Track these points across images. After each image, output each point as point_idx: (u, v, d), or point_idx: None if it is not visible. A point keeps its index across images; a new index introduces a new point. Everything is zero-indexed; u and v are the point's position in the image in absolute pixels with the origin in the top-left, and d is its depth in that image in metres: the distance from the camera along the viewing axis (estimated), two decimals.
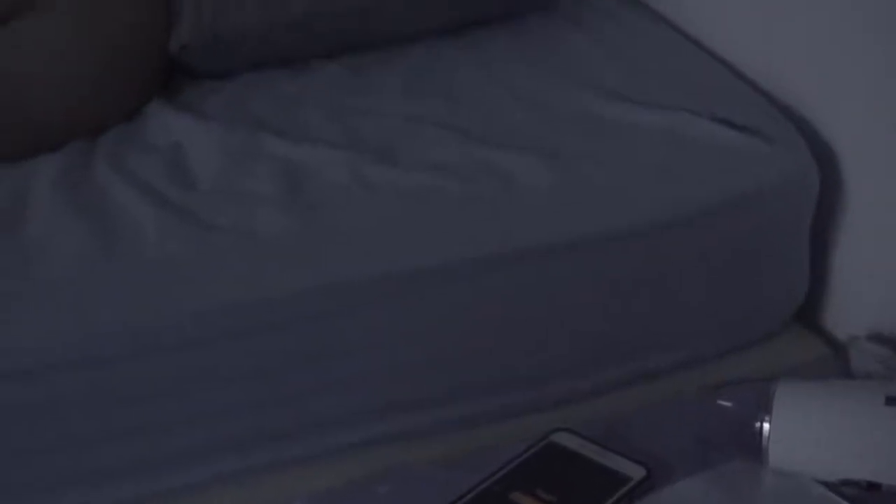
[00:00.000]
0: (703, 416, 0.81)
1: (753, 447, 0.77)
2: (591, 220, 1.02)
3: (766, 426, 0.76)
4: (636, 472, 0.77)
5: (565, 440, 0.81)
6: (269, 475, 0.99)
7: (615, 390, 1.07)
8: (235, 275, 0.97)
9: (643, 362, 1.09)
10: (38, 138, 1.16)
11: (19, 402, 0.92)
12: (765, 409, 0.77)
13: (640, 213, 1.03)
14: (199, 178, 1.09)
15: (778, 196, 1.08)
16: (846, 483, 0.75)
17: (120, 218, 1.02)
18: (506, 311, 1.03)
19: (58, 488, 0.95)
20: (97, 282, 0.96)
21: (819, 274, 1.16)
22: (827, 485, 0.76)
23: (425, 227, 1.01)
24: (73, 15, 1.20)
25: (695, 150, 1.08)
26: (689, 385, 0.89)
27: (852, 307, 1.16)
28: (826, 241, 1.15)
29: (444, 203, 1.02)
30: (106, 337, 0.94)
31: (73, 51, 1.18)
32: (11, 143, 1.15)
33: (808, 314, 1.18)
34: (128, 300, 0.95)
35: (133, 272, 0.97)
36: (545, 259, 1.01)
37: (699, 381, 0.87)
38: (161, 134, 1.17)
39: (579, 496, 0.76)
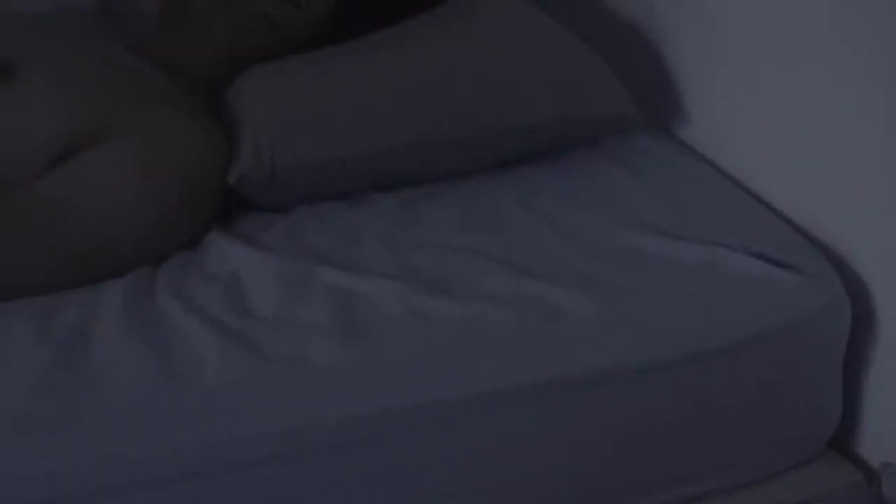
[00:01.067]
0: None
1: None
2: (633, 349, 1.07)
3: None
4: None
5: None
6: None
7: None
8: (288, 401, 1.01)
9: (678, 490, 1.13)
10: (105, 266, 1.20)
11: None
12: None
13: (680, 344, 1.08)
14: (255, 307, 1.12)
15: (811, 328, 1.13)
16: None
17: (180, 344, 1.06)
18: (550, 438, 1.06)
19: None
20: (156, 406, 1.00)
21: (852, 402, 1.20)
22: None
23: (475, 355, 1.05)
24: (140, 148, 1.25)
25: (732, 284, 1.13)
26: None
27: (885, 435, 1.19)
28: (859, 370, 1.19)
29: (493, 332, 1.06)
30: (162, 460, 0.97)
31: (138, 183, 1.23)
32: (80, 270, 1.19)
33: (841, 441, 1.21)
34: (185, 424, 0.99)
35: (191, 397, 1.00)
36: (590, 387, 1.05)
37: None
38: (220, 263, 1.21)
39: None
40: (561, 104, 1.37)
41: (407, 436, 1.02)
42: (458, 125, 1.33)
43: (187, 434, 0.98)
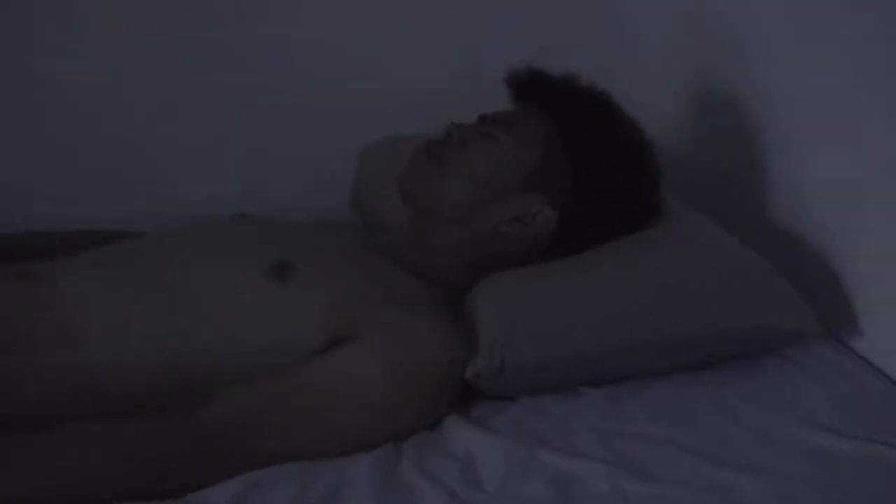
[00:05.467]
0: None
1: None
2: None
3: None
4: None
5: None
6: None
7: None
8: None
9: None
10: (356, 446, 1.34)
11: None
12: None
13: None
14: (486, 482, 1.28)
15: None
16: None
17: None
18: None
19: None
20: None
21: None
22: None
23: None
24: (394, 343, 1.38)
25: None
26: None
27: None
28: None
29: None
30: None
31: (391, 376, 1.36)
32: (337, 444, 1.33)
33: None
34: None
35: None
36: None
37: None
38: (457, 443, 1.37)
39: None
40: (747, 318, 1.51)
41: None
42: (657, 332, 1.48)
43: None
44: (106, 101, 2.08)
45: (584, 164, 1.52)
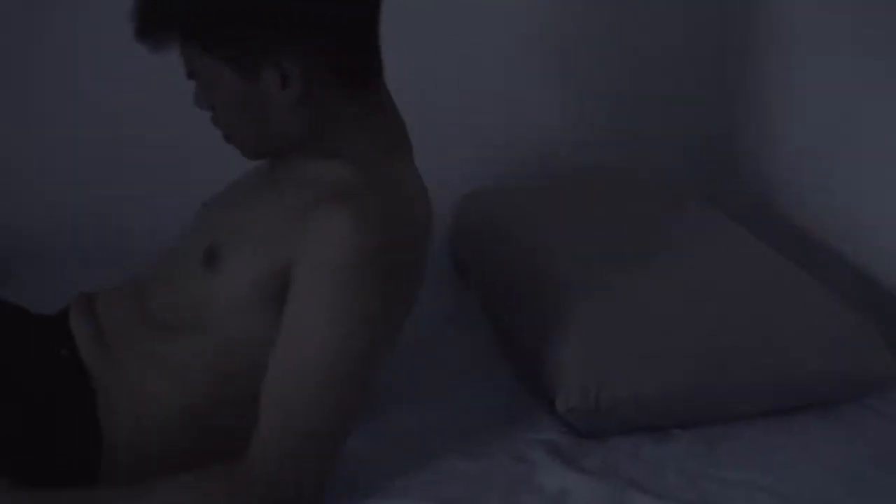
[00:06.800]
0: None
1: None
2: None
3: None
4: None
5: None
6: None
7: None
8: None
9: None
10: (377, 361, 1.33)
11: None
12: None
13: None
14: None
15: None
16: None
17: None
18: None
19: None
20: None
21: None
22: None
23: None
24: (330, 261, 1.27)
25: None
26: None
27: None
28: None
29: None
30: None
31: (347, 284, 1.27)
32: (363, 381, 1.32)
33: None
34: None
35: None
36: None
37: None
38: (551, 480, 1.41)
39: None
40: (838, 364, 1.56)
41: None
42: (752, 376, 1.54)
43: None
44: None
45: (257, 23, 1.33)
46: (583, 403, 1.50)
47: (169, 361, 1.38)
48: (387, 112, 1.45)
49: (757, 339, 1.57)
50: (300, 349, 1.28)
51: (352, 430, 1.33)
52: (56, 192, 2.19)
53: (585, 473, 1.43)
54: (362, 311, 1.28)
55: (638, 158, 2.36)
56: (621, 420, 1.53)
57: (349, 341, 1.28)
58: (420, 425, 1.57)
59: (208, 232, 1.44)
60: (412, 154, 1.47)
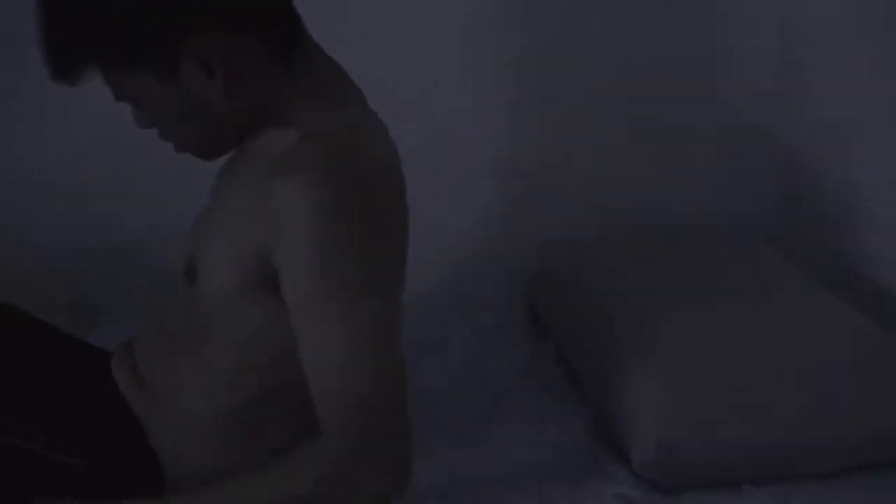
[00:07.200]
0: None
1: None
2: None
3: None
4: None
5: None
6: None
7: None
8: None
9: None
10: (401, 279, 1.30)
11: None
12: None
13: None
14: None
15: None
16: None
17: None
18: None
19: None
20: None
21: None
22: None
23: None
24: (312, 228, 1.22)
25: None
26: None
27: None
28: None
29: None
30: None
31: (332, 237, 1.22)
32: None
33: None
34: None
35: None
36: None
37: None
38: None
39: None
40: None
41: None
42: (815, 434, 1.55)
43: None
44: None
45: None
46: (658, 458, 1.52)
47: (191, 376, 1.40)
48: (321, 65, 1.40)
49: (833, 397, 1.58)
50: (321, 329, 1.23)
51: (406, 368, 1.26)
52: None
53: None
54: (358, 264, 1.23)
55: (716, 208, 2.37)
56: (695, 475, 1.55)
57: (361, 299, 1.22)
58: (493, 473, 1.59)
59: (190, 248, 1.44)
60: (364, 99, 1.42)
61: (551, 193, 2.30)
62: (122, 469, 1.42)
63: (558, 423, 1.76)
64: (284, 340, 1.29)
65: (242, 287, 1.32)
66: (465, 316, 2.14)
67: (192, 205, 1.55)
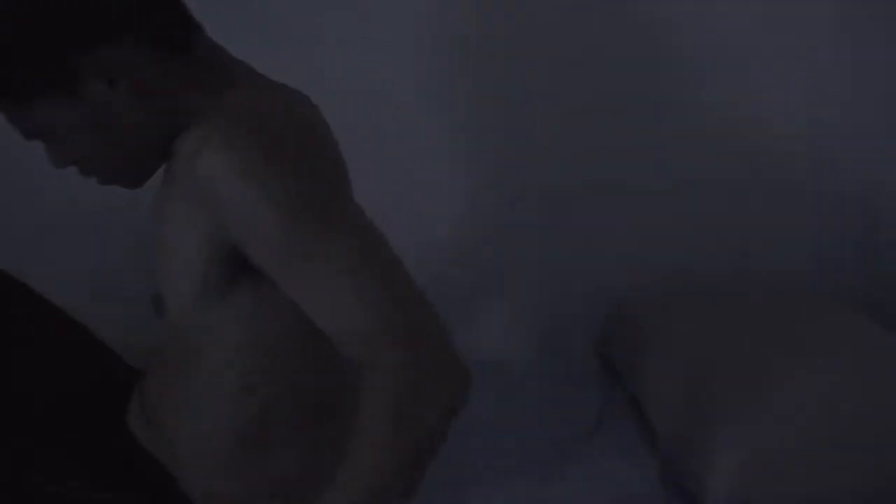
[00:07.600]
0: None
1: None
2: None
3: None
4: None
5: None
6: None
7: None
8: None
9: None
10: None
11: None
12: None
13: None
14: None
15: None
16: None
17: None
18: None
19: None
20: None
21: None
22: None
23: None
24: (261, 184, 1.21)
25: None
26: None
27: None
28: None
29: None
30: None
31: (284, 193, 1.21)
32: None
33: None
34: None
35: None
36: None
37: None
38: None
39: None
40: None
41: None
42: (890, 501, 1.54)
43: None
44: None
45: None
46: (731, 499, 1.52)
47: (190, 404, 1.39)
48: (226, 62, 1.37)
49: None
50: (319, 275, 1.21)
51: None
52: None
53: None
54: (311, 194, 1.21)
55: (791, 264, 2.35)
56: None
57: (338, 226, 1.21)
58: None
59: (154, 280, 1.41)
60: (258, 72, 1.40)
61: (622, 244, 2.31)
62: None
63: (629, 471, 1.76)
64: (266, 341, 1.31)
65: (203, 296, 1.30)
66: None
67: None
